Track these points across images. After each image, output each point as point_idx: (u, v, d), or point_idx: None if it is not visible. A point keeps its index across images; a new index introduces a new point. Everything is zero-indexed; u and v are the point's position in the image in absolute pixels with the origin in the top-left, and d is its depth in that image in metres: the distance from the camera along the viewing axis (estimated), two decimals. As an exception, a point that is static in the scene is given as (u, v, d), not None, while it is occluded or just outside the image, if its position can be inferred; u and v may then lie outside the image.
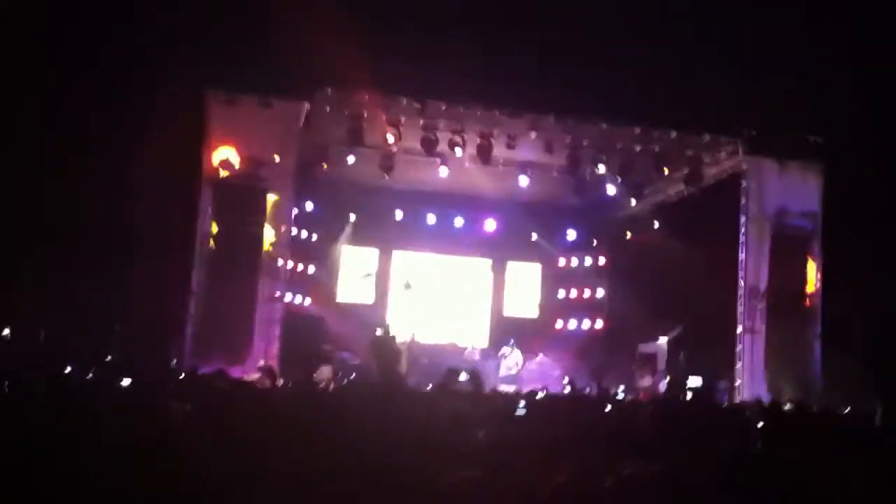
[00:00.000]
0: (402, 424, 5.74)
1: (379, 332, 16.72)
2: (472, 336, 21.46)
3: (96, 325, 14.28)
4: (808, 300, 16.47)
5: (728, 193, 16.82)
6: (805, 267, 16.55)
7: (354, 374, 15.69)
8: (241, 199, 15.22)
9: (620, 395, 15.71)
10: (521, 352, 19.82)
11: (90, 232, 14.52)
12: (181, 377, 11.39)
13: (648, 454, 5.29)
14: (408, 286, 19.85)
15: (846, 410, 11.71)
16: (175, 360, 14.09)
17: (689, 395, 14.01)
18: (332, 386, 17.00)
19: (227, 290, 14.95)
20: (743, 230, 16.55)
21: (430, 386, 10.66)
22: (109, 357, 12.11)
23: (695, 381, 16.10)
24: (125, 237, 14.65)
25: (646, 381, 18.81)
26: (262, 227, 15.20)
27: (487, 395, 9.22)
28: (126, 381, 9.25)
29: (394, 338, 15.91)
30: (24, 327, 13.74)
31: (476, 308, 22.43)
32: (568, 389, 16.39)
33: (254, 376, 12.46)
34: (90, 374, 10.49)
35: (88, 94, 14.02)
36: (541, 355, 20.42)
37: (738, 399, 15.63)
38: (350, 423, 5.75)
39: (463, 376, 11.02)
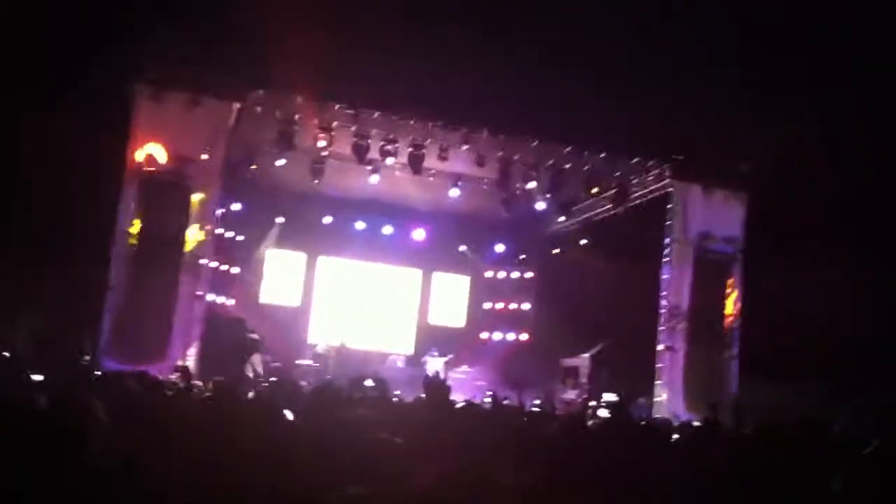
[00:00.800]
0: (304, 433, 5.64)
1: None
2: (397, 344, 21.40)
3: (12, 318, 13.87)
4: (726, 322, 16.78)
5: (654, 215, 17.07)
6: (725, 290, 16.87)
7: (273, 378, 15.47)
8: (166, 196, 14.88)
9: (537, 408, 15.80)
10: (446, 362, 19.83)
11: (8, 224, 14.10)
12: (97, 375, 11.18)
13: (548, 465, 5.30)
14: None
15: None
16: (89, 357, 13.73)
17: (604, 411, 14.14)
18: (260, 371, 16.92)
19: (147, 287, 14.61)
20: (667, 251, 16.80)
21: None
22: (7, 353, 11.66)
23: (610, 397, 16.30)
24: (44, 231, 14.26)
25: (568, 395, 18.98)
26: (186, 225, 14.89)
27: (392, 402, 9.16)
28: (38, 377, 8.95)
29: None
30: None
31: (402, 316, 22.37)
32: (488, 400, 16.41)
33: (171, 376, 12.24)
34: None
35: (13, 85, 13.62)
36: (465, 366, 20.46)
37: (656, 416, 15.86)
38: (259, 433, 5.63)
39: (368, 382, 10.94)
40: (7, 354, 11.34)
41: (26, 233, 14.24)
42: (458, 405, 9.78)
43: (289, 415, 5.38)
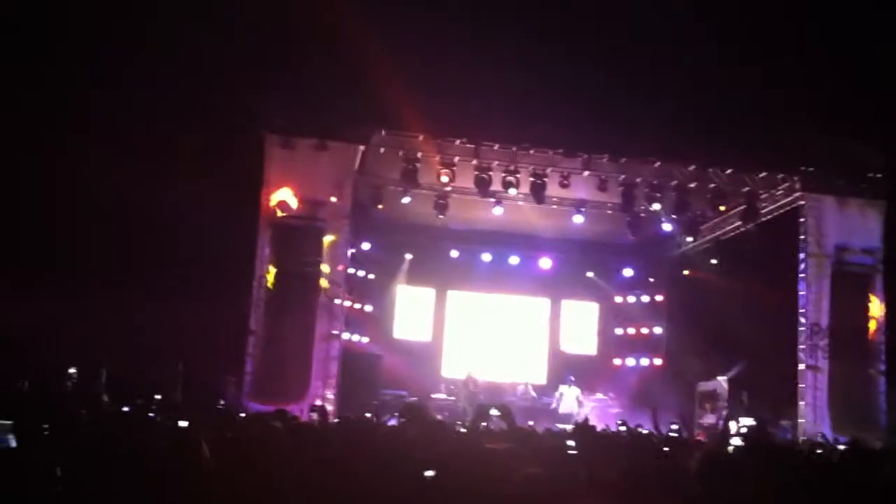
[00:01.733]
0: (439, 465, 5.76)
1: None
2: (529, 373, 21.39)
3: (158, 365, 14.53)
4: (870, 336, 16.12)
5: (786, 230, 16.61)
6: (867, 303, 16.24)
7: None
8: (299, 239, 15.45)
9: (674, 433, 15.48)
10: (580, 389, 19.70)
11: (154, 272, 14.85)
12: (238, 416, 11.60)
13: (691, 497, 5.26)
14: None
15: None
16: (232, 400, 14.22)
17: (740, 436, 13.74)
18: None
19: (285, 328, 15.13)
20: (802, 267, 16.30)
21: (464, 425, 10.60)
22: (160, 396, 12.24)
23: (748, 421, 15.85)
24: (187, 277, 14.94)
25: (707, 420, 18.51)
26: (319, 266, 15.37)
27: (525, 432, 9.17)
28: (184, 423, 9.36)
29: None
30: (87, 365, 14.02)
31: (532, 345, 22.36)
32: (623, 428, 16.19)
33: (311, 416, 12.59)
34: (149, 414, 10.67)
35: (150, 139, 14.45)
36: (599, 393, 20.25)
37: (801, 437, 15.34)
38: (394, 464, 5.79)
39: (493, 412, 10.97)
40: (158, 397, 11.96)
41: (171, 281, 14.94)
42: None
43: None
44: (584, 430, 9.33)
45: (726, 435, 15.47)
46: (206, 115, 14.17)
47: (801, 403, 15.93)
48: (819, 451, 10.51)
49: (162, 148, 14.41)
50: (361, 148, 15.37)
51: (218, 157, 14.11)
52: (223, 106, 13.96)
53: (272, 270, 15.22)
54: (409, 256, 21.13)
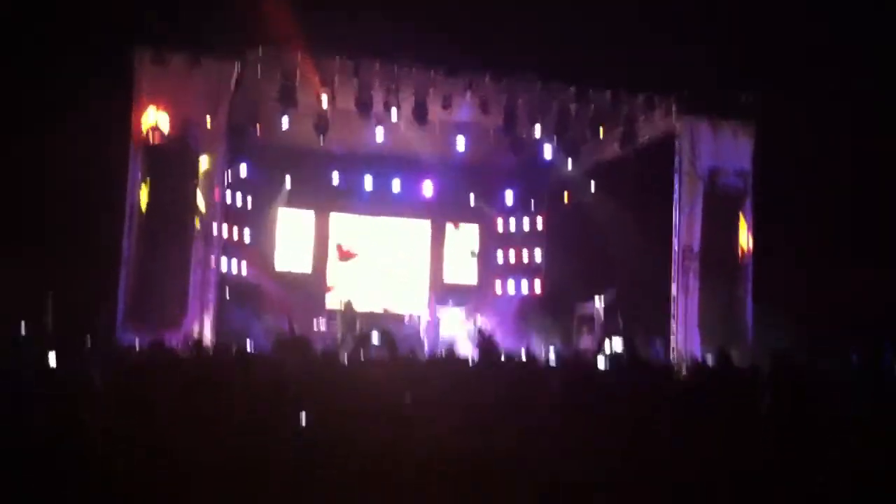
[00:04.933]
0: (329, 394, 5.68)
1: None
2: (411, 302, 21.43)
3: (27, 296, 13.89)
4: (739, 258, 16.72)
5: (662, 154, 16.94)
6: (737, 226, 16.78)
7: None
8: (172, 163, 14.87)
9: (553, 358, 15.83)
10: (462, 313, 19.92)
11: (15, 201, 14.07)
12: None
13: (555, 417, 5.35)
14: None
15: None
16: (105, 329, 13.79)
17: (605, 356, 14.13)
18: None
19: (159, 256, 14.68)
20: (677, 190, 16.70)
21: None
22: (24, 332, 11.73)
23: (617, 344, 16.38)
24: (53, 206, 14.24)
25: (584, 343, 19.00)
26: (195, 191, 14.91)
27: (402, 359, 9.17)
28: (52, 356, 8.98)
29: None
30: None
31: (415, 273, 22.39)
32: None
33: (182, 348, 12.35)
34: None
35: (8, 59, 13.55)
36: (480, 317, 20.48)
37: (673, 356, 15.93)
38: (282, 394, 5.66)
39: (375, 338, 10.91)
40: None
41: (39, 211, 14.21)
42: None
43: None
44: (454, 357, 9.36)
45: (596, 354, 15.94)
46: (72, 26, 13.33)
47: (673, 323, 16.47)
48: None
49: (22, 67, 13.50)
50: (237, 65, 14.82)
51: (85, 74, 13.31)
52: (90, 17, 13.14)
53: (144, 196, 14.64)
54: (288, 180, 20.68)
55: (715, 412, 5.99)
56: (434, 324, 19.90)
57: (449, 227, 22.84)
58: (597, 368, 11.15)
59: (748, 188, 16.73)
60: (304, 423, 5.19)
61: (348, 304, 18.98)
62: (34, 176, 14.00)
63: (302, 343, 8.90)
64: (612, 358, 13.66)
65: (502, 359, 8.77)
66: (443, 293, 21.51)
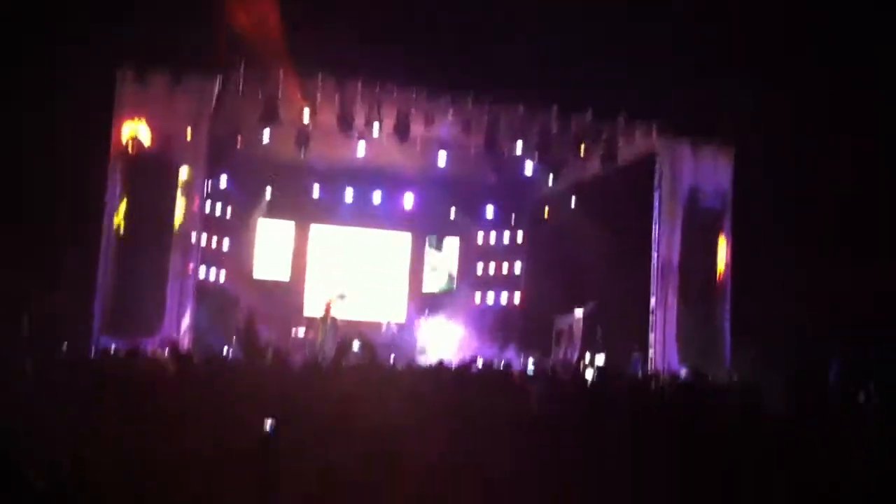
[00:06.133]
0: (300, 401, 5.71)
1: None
2: (390, 312, 21.44)
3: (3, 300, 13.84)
4: (718, 276, 16.87)
5: (643, 173, 17.08)
6: (716, 245, 16.95)
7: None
8: (152, 174, 14.86)
9: (531, 369, 15.96)
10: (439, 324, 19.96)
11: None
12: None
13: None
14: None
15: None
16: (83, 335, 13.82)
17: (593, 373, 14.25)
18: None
19: (137, 265, 14.67)
20: (657, 209, 16.83)
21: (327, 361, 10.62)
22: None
23: (600, 357, 16.55)
24: (33, 216, 14.20)
25: (563, 355, 19.10)
26: (174, 201, 14.92)
27: (383, 369, 9.24)
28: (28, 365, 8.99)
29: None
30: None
31: (394, 283, 22.40)
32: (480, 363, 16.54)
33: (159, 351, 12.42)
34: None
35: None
36: (459, 329, 20.52)
37: (650, 370, 16.08)
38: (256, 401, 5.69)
39: (356, 346, 10.98)
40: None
41: (14, 222, 14.14)
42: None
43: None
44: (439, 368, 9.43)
45: (577, 368, 16.07)
46: (54, 45, 13.27)
47: (651, 337, 16.61)
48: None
49: (5, 80, 13.43)
50: (219, 81, 14.78)
51: (65, 91, 13.26)
52: (73, 36, 13.08)
53: (123, 206, 14.63)
54: (269, 191, 20.64)
55: (683, 424, 6.11)
56: (410, 331, 19.99)
57: (429, 249, 22.87)
58: (574, 381, 11.30)
59: (727, 208, 16.88)
60: (268, 430, 5.22)
61: (328, 311, 19.00)
62: (13, 186, 13.96)
63: (259, 351, 8.97)
64: (600, 371, 13.83)
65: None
66: (421, 302, 21.57)
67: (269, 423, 5.26)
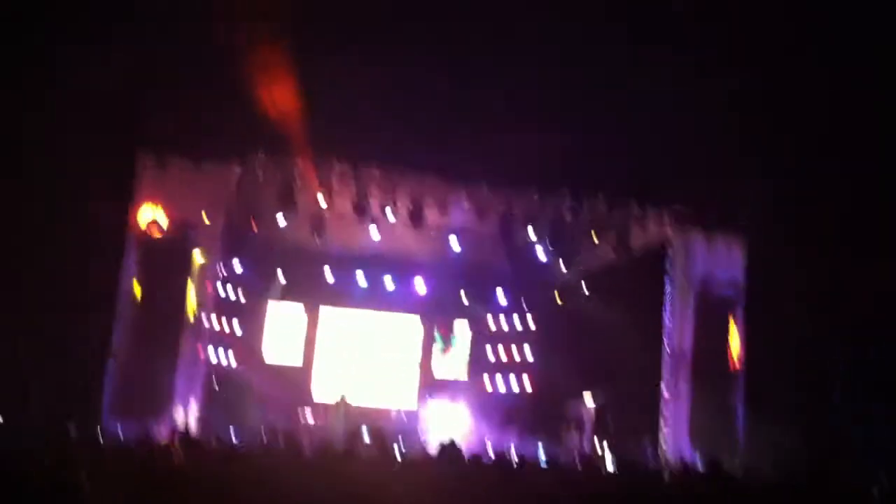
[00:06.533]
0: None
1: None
2: (401, 399, 21.28)
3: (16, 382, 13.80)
4: (731, 365, 16.78)
5: (655, 261, 17.16)
6: (728, 333, 16.89)
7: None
8: (167, 258, 15.03)
9: (542, 456, 15.76)
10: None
11: (13, 287, 14.09)
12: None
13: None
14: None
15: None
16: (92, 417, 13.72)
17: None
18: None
19: (148, 348, 14.71)
20: (669, 296, 16.83)
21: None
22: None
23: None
24: (48, 294, 14.25)
25: (573, 443, 18.86)
26: (186, 285, 15.01)
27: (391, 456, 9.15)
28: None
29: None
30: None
31: (404, 369, 22.25)
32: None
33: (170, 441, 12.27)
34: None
35: (18, 151, 13.72)
36: (469, 415, 20.34)
37: (663, 460, 15.85)
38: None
39: (365, 435, 10.87)
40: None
41: (32, 299, 14.21)
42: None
43: None
44: (450, 450, 9.29)
45: (595, 459, 15.83)
46: (78, 128, 13.53)
47: (664, 427, 16.42)
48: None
49: (28, 163, 13.67)
50: (238, 169, 15.00)
51: (87, 172, 13.47)
52: (97, 122, 13.36)
53: (137, 289, 14.70)
54: (282, 277, 20.70)
55: None
56: (419, 419, 19.82)
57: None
58: (588, 471, 11.13)
59: (740, 297, 16.87)
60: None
61: (342, 400, 18.87)
62: (32, 263, 14.07)
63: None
64: (621, 462, 13.68)
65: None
66: (432, 388, 21.40)
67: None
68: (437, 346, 22.56)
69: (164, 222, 14.74)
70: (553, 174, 15.46)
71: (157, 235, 14.71)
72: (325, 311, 21.87)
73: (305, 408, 19.97)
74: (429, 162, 15.41)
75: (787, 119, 15.06)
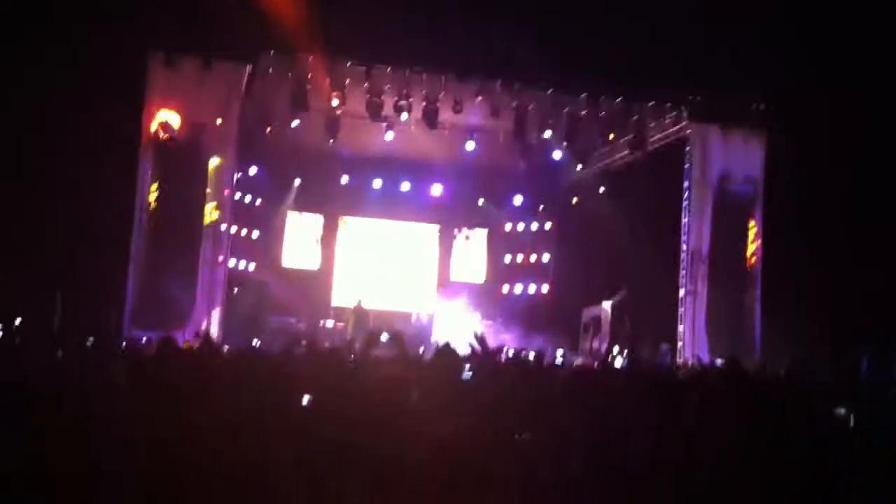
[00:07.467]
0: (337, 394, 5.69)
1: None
2: (419, 302, 21.44)
3: (36, 292, 13.93)
4: (748, 263, 16.69)
5: (672, 159, 16.93)
6: (746, 231, 16.74)
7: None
8: (182, 164, 14.92)
9: (559, 360, 15.83)
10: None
11: (25, 200, 14.13)
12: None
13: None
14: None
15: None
16: (114, 327, 13.85)
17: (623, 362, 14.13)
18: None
19: (167, 255, 14.73)
20: (686, 195, 16.69)
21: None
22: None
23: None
24: (62, 204, 14.28)
25: (591, 344, 18.99)
26: (204, 191, 14.97)
27: (416, 359, 9.20)
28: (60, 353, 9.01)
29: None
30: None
31: (422, 273, 22.40)
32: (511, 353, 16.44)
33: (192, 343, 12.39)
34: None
35: (24, 59, 13.59)
36: (486, 319, 20.45)
37: (679, 360, 15.91)
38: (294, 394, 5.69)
39: (384, 337, 10.92)
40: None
41: (43, 212, 14.24)
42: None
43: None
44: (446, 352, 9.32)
45: (607, 358, 15.92)
46: (86, 30, 13.35)
47: (681, 328, 16.46)
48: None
49: (35, 68, 13.55)
50: (248, 68, 14.83)
51: (97, 75, 13.34)
52: (104, 20, 13.17)
53: (154, 195, 14.70)
54: (297, 182, 20.71)
55: (715, 416, 5.99)
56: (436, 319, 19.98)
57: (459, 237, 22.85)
58: (602, 370, 11.19)
59: (758, 195, 16.67)
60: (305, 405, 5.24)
61: (358, 305, 18.99)
62: (44, 174, 14.06)
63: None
64: (631, 360, 13.73)
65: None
66: (450, 291, 21.54)
67: (306, 398, 5.30)
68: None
69: (177, 125, 14.62)
70: (568, 69, 15.16)
71: (169, 138, 14.58)
72: (343, 220, 21.95)
73: (327, 310, 20.22)
74: (441, 59, 15.16)
75: (809, 6, 14.66)
